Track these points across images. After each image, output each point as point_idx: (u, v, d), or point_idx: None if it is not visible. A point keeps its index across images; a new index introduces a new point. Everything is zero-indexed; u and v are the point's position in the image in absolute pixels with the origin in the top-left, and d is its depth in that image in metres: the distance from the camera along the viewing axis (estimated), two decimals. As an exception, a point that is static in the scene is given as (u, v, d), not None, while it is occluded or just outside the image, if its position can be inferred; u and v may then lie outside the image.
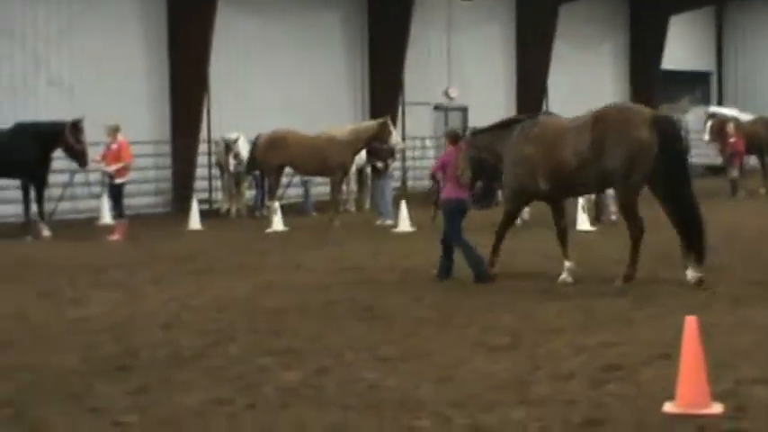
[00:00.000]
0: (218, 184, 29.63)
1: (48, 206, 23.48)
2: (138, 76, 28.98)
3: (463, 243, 14.73)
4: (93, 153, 22.47)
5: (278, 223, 23.15)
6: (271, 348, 10.51)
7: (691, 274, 13.51)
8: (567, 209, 15.12)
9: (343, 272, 15.95)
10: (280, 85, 31.98)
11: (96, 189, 23.37)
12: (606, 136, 13.55)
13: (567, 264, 14.38)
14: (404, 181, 34.76)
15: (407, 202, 22.87)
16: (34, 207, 22.26)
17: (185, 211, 25.43)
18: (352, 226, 23.48)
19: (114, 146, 21.41)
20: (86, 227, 24.24)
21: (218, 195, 29.49)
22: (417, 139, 35.95)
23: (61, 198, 25.82)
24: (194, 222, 24.06)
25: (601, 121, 13.76)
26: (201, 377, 9.36)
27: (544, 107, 37.41)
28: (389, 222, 23.60)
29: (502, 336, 10.88)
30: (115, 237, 21.33)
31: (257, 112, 30.46)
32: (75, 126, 21.80)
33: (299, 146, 24.24)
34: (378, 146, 24.46)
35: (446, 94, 37.30)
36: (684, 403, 7.79)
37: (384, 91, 34.75)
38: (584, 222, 21.73)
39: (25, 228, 21.96)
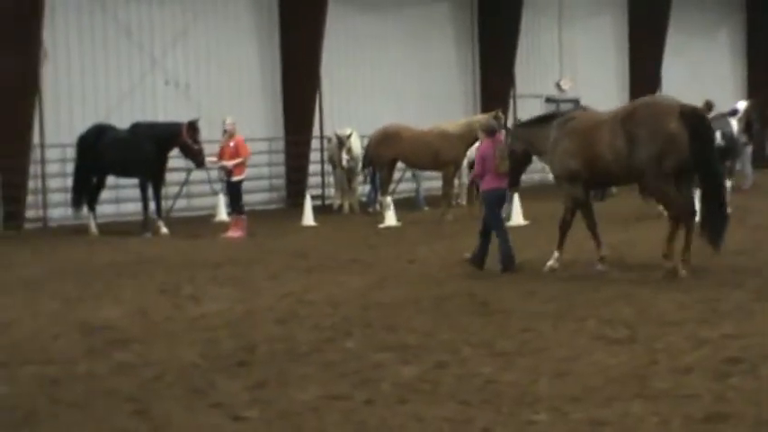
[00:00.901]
0: (330, 179, 29.83)
1: (165, 204, 23.89)
2: (251, 75, 29.35)
3: (502, 232, 15.32)
4: (209, 151, 22.79)
5: (391, 218, 23.21)
6: (386, 344, 10.54)
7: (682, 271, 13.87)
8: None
9: (457, 266, 15.92)
10: (391, 81, 32.07)
11: (216, 186, 23.71)
12: (638, 129, 13.88)
13: (556, 254, 14.96)
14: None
15: (519, 196, 22.72)
16: (152, 205, 22.69)
17: (299, 207, 25.65)
18: (464, 220, 23.41)
19: (231, 143, 21.68)
20: (203, 224, 24.62)
21: (331, 191, 29.69)
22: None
23: (178, 196, 26.27)
24: (308, 218, 24.26)
25: (632, 114, 14.13)
26: (318, 372, 9.43)
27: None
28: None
29: (620, 329, 10.75)
30: (235, 233, 21.59)
31: (369, 107, 30.60)
32: (192, 126, 22.15)
33: (412, 140, 24.28)
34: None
35: (558, 86, 36.99)
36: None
37: (495, 84, 34.60)
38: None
39: (144, 225, 22.40)
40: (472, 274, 15.16)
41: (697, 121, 13.86)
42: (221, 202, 25.65)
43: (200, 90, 28.01)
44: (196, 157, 22.34)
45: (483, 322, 11.50)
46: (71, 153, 24.30)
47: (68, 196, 24.14)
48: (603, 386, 8.46)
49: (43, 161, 25.28)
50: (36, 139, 24.98)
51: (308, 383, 8.99)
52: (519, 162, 15.64)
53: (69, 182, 24.43)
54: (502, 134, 16.21)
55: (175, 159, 23.48)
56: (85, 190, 23.20)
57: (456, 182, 26.55)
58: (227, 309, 12.98)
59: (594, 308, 12.01)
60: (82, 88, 26.11)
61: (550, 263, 15.03)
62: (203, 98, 27.64)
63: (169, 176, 24.08)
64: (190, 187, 26.88)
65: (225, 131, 21.92)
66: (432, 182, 28.58)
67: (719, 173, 14.22)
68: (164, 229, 22.36)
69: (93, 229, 22.87)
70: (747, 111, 24.33)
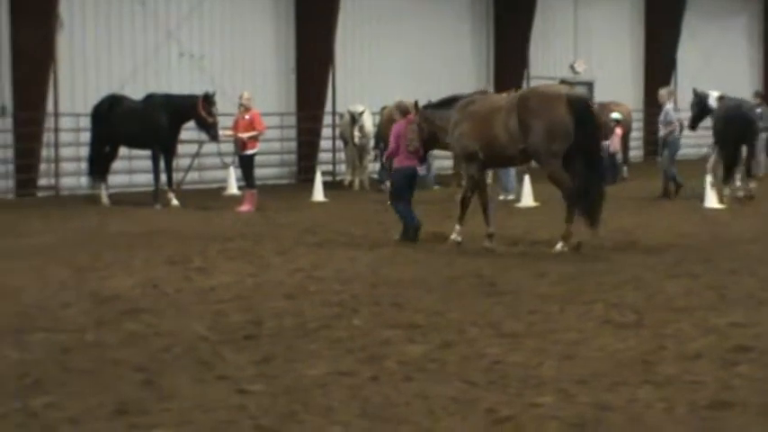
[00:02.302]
0: (341, 156, 29.84)
1: (176, 176, 23.97)
2: (265, 49, 29.35)
3: (404, 207, 16.51)
4: (222, 124, 22.81)
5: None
6: (394, 321, 10.57)
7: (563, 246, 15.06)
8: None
9: (466, 246, 15.93)
10: (405, 58, 32.03)
11: (228, 159, 23.78)
12: (530, 114, 15.11)
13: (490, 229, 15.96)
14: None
15: (530, 177, 22.71)
16: (164, 177, 22.74)
17: (309, 182, 25.68)
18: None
19: (247, 116, 21.69)
20: (213, 197, 24.66)
21: (342, 168, 29.70)
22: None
23: (190, 168, 26.35)
24: (318, 194, 24.29)
25: (526, 100, 15.37)
26: (326, 348, 9.47)
27: (672, 82, 36.72)
28: (512, 197, 23.47)
29: (628, 313, 10.76)
30: (245, 207, 21.64)
31: (382, 84, 30.57)
32: (208, 99, 22.17)
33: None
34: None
35: (572, 68, 36.89)
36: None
37: (509, 64, 34.55)
38: (712, 200, 21.34)
39: (155, 197, 22.45)
40: (481, 254, 15.18)
41: (582, 108, 15.15)
42: (232, 175, 25.68)
43: (213, 62, 28.01)
44: (210, 130, 22.36)
45: (491, 303, 11.52)
46: (84, 122, 24.37)
47: (81, 165, 24.23)
48: (610, 370, 8.48)
49: (57, 130, 25.35)
50: (50, 107, 25.04)
51: (315, 359, 9.03)
52: (427, 141, 16.66)
53: (82, 151, 24.55)
54: (413, 115, 16.93)
55: (187, 131, 23.51)
56: (99, 160, 23.26)
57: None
58: (237, 282, 13.03)
59: (603, 292, 12.02)
60: (96, 58, 26.15)
61: (453, 236, 15.95)
62: (217, 71, 27.65)
63: (181, 148, 24.11)
64: (201, 160, 26.93)
65: (241, 105, 21.93)
66: (443, 161, 28.56)
67: (599, 155, 15.82)
68: (174, 201, 22.41)
69: (105, 198, 22.94)
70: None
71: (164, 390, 8.04)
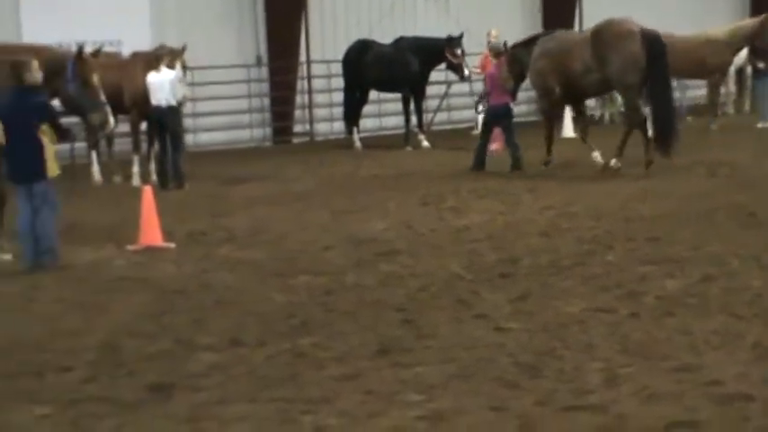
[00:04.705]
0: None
1: (426, 117, 24.21)
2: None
3: (512, 140, 18.08)
4: (470, 64, 22.89)
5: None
6: (650, 257, 10.44)
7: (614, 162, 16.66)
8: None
9: (723, 177, 15.50)
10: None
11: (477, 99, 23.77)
12: (605, 48, 16.30)
13: (595, 153, 17.32)
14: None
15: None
16: (414, 119, 23.03)
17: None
18: (730, 129, 22.66)
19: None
20: (463, 137, 24.79)
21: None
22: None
23: (438, 109, 26.52)
24: (567, 131, 23.98)
25: (599, 34, 16.53)
26: (581, 285, 9.46)
27: None
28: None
29: None
30: (495, 146, 21.67)
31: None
32: (455, 41, 22.29)
33: (671, 48, 23.52)
34: (759, 45, 23.35)
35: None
36: None
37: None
38: None
39: (406, 139, 22.79)
40: (739, 184, 14.72)
41: (654, 42, 16.29)
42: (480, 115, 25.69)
43: (458, 5, 28.01)
44: (458, 71, 22.52)
45: (751, 234, 11.19)
46: (336, 69, 24.89)
47: (333, 111, 24.82)
48: None
49: (309, 77, 26.03)
50: (302, 56, 25.74)
51: (572, 296, 9.03)
52: (516, 79, 17.93)
53: (334, 97, 25.14)
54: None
55: (435, 72, 23.67)
56: (351, 105, 23.78)
57: (722, 90, 25.63)
58: (490, 221, 13.13)
59: None
60: (345, 5, 26.62)
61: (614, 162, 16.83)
62: (462, 12, 27.64)
63: (429, 90, 24.32)
64: (450, 100, 27.07)
65: (489, 42, 21.99)
66: (696, 90, 27.69)
67: (670, 85, 16.88)
68: (425, 143, 22.69)
69: (357, 143, 23.45)
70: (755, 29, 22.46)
71: (423, 329, 8.24)
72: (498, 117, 18.16)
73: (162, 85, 17.29)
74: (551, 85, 17.17)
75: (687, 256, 10.32)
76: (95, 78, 13.20)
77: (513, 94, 18.28)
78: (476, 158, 18.16)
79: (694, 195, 14.10)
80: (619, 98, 27.26)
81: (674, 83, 27.22)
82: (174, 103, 17.41)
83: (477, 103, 20.21)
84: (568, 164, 18.34)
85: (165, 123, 17.41)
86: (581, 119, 18.27)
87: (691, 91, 27.83)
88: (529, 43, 17.90)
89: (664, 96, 16.37)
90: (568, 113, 24.24)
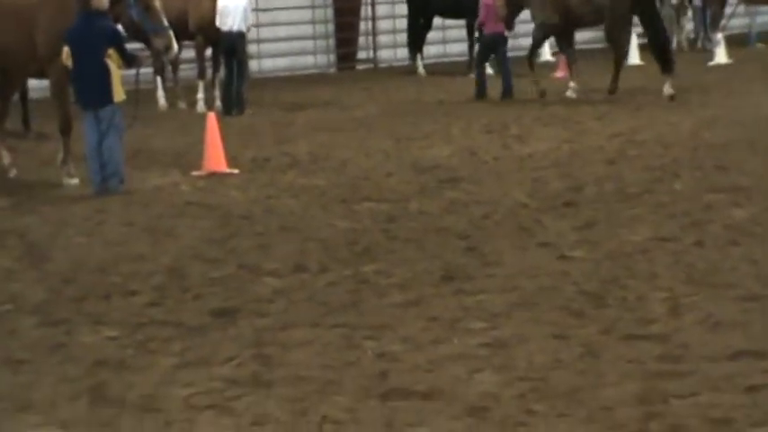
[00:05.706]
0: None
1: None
2: None
3: (482, 72, 18.73)
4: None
5: (721, 55, 22.30)
6: (717, 185, 10.31)
7: (666, 89, 16.71)
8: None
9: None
10: None
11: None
12: None
13: (572, 84, 17.90)
14: None
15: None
16: (477, 45, 22.81)
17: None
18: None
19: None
20: (525, 64, 24.49)
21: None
22: None
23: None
24: (633, 58, 23.59)
25: None
26: (647, 213, 9.37)
27: None
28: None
29: None
30: (561, 73, 21.43)
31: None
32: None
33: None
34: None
35: None
36: None
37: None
38: None
39: (469, 66, 22.59)
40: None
41: None
42: (546, 42, 25.36)
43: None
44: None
45: (822, 164, 11.00)
46: (399, -5, 24.72)
47: (397, 38, 24.67)
48: None
49: (374, 3, 25.86)
50: (367, -18, 25.58)
51: (637, 225, 8.95)
52: (512, 9, 18.22)
53: (398, 23, 24.96)
54: None
55: None
56: (415, 32, 23.61)
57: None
58: (555, 148, 13.03)
59: None
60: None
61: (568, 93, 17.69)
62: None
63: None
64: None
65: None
66: (765, 16, 27.12)
67: (658, 14, 17.89)
68: (489, 70, 22.47)
69: (421, 69, 23.31)
70: None
71: (487, 256, 8.23)
72: (494, 45, 18.53)
73: (236, 10, 17.21)
74: (550, 14, 17.66)
75: (754, 185, 10.17)
76: (157, 3, 13.19)
77: (508, 24, 18.46)
78: (478, 87, 18.48)
79: (764, 123, 13.85)
80: (687, 25, 27.04)
81: (743, 8, 26.83)
82: (244, 29, 17.39)
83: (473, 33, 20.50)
84: (635, 91, 18.10)
85: (235, 49, 17.38)
86: (570, 51, 18.54)
87: (761, 17, 27.25)
88: None
89: (654, 22, 17.07)
90: (635, 40, 23.90)
